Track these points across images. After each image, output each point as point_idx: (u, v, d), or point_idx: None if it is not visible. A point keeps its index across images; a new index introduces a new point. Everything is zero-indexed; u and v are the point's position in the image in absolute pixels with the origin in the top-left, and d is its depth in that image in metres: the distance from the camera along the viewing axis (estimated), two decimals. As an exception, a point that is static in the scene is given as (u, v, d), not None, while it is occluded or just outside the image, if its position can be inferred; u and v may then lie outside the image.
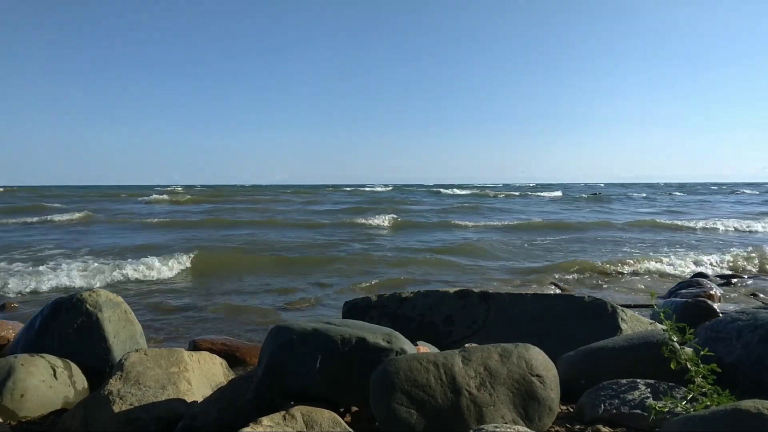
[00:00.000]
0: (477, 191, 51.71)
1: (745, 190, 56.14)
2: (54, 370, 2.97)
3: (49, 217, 17.87)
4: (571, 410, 2.50)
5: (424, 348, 2.77)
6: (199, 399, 2.61)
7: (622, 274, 8.37)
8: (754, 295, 6.87)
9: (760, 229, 14.95)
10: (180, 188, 68.52)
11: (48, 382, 2.90)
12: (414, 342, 2.78)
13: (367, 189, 64.17)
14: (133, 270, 7.98)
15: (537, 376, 2.17)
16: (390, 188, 67.92)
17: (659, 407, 2.08)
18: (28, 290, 6.94)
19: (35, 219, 17.60)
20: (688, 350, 2.34)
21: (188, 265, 8.66)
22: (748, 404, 1.67)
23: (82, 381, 3.09)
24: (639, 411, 2.17)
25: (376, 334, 2.32)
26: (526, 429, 1.88)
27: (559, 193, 47.64)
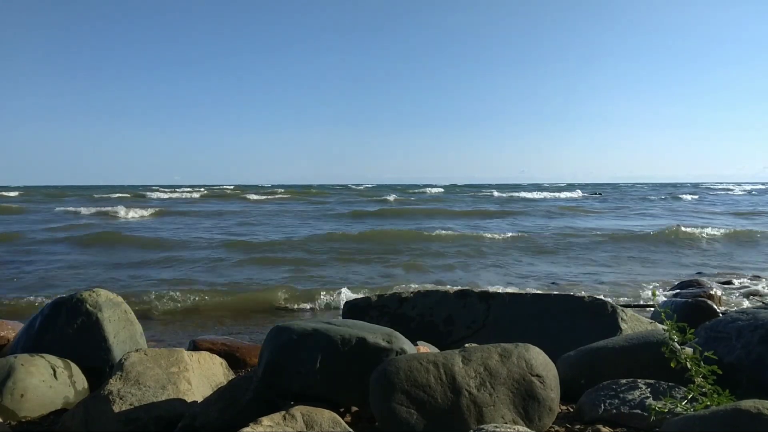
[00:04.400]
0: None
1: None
2: (54, 370, 2.97)
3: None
4: (571, 410, 2.50)
5: (424, 348, 2.77)
6: (199, 399, 2.60)
7: None
8: (754, 295, 6.88)
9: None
10: (230, 187, 66.40)
11: (48, 382, 2.90)
12: (414, 342, 2.78)
13: (430, 190, 57.59)
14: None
15: (537, 376, 2.17)
16: (442, 189, 60.49)
17: (659, 407, 2.08)
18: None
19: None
20: (688, 350, 2.34)
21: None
22: (748, 404, 1.67)
23: (82, 381, 3.09)
24: (639, 411, 2.17)
25: (376, 334, 2.32)
26: (526, 429, 1.88)
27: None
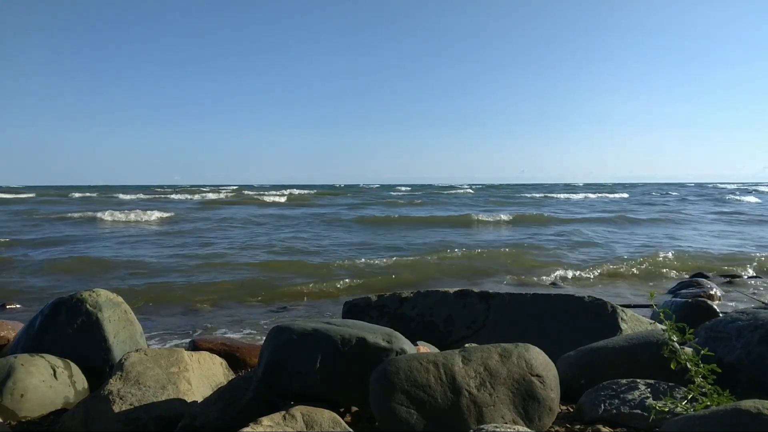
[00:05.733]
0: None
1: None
2: (54, 370, 2.97)
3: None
4: (571, 410, 2.50)
5: (424, 348, 2.77)
6: (199, 399, 2.61)
7: None
8: (754, 294, 6.88)
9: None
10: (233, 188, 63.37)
11: (48, 382, 2.90)
12: (414, 342, 2.78)
13: (460, 191, 53.04)
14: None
15: (537, 376, 2.17)
16: (472, 190, 55.94)
17: (659, 407, 2.08)
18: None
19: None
20: (688, 350, 2.34)
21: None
22: (748, 404, 1.67)
23: (82, 381, 3.09)
24: (639, 411, 2.17)
25: (376, 334, 2.32)
26: (526, 429, 1.88)
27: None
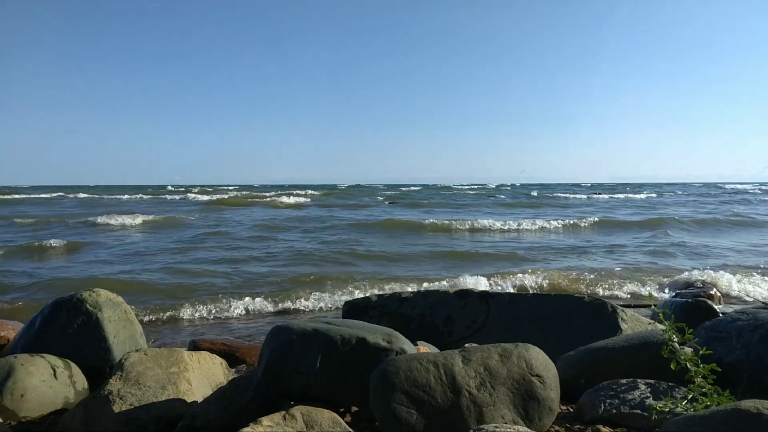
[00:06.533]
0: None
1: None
2: (54, 370, 2.97)
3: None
4: (571, 410, 2.50)
5: (424, 348, 2.77)
6: (199, 399, 2.61)
7: None
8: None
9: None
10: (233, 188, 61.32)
11: (48, 382, 2.90)
12: (414, 342, 2.78)
13: (460, 192, 50.44)
14: None
15: (537, 376, 2.17)
16: (476, 189, 53.19)
17: (659, 407, 2.08)
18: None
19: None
20: (688, 350, 2.34)
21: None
22: (748, 404, 1.67)
23: (82, 381, 3.09)
24: (639, 411, 2.17)
25: (376, 334, 2.32)
26: (526, 429, 1.88)
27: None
